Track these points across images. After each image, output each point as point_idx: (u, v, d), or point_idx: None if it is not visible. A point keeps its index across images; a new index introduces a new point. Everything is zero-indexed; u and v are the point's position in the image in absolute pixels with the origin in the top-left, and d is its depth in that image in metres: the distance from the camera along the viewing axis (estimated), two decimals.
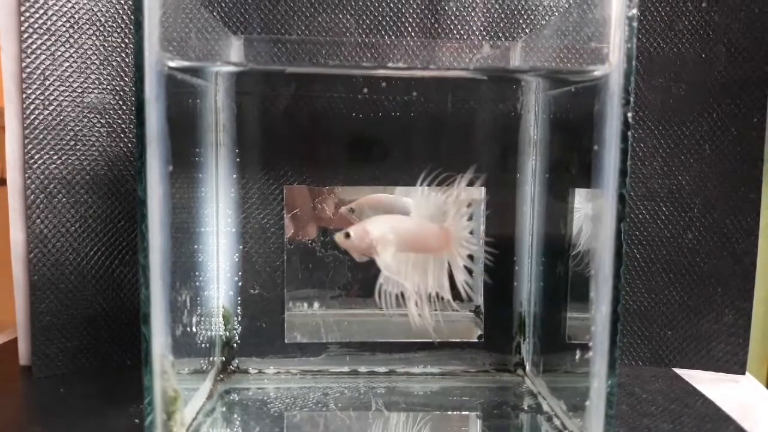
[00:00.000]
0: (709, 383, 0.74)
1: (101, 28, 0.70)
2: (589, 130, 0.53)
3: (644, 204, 0.77)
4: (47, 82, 0.68)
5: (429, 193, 0.61)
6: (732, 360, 0.78)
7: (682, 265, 0.77)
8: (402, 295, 0.62)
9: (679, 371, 0.78)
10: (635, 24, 0.49)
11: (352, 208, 0.65)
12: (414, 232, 0.62)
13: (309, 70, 0.70)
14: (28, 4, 0.67)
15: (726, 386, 0.74)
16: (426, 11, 0.72)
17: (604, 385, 0.51)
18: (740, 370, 0.78)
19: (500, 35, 0.72)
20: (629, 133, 0.49)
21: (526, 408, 0.64)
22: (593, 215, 0.54)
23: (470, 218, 0.63)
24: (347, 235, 0.61)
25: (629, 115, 0.49)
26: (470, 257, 0.63)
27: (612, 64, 0.50)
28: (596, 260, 0.52)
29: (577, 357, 0.57)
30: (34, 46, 0.68)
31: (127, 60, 0.71)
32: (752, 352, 0.78)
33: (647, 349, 0.79)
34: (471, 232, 0.63)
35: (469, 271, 0.63)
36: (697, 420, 0.64)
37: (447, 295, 0.62)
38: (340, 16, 0.71)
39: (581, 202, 0.60)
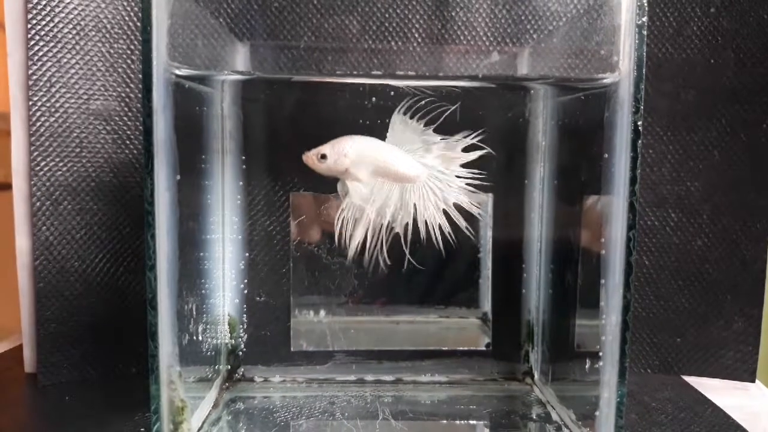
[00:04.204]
0: (718, 391, 0.74)
1: (107, 35, 0.69)
2: (598, 138, 0.53)
3: (653, 210, 0.76)
4: (53, 89, 0.68)
5: (408, 119, 0.59)
6: (742, 368, 0.77)
7: (691, 272, 0.77)
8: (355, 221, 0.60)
9: (688, 379, 0.77)
10: (645, 32, 0.48)
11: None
12: (389, 160, 0.59)
13: (315, 79, 0.69)
14: (35, 12, 0.67)
15: (736, 394, 0.74)
16: (433, 17, 0.71)
17: (614, 394, 0.51)
18: (750, 377, 0.77)
19: (507, 41, 0.72)
20: (639, 142, 0.49)
21: (534, 417, 0.64)
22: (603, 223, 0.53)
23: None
24: (322, 157, 0.58)
25: (639, 123, 0.49)
26: (456, 206, 0.61)
27: (622, 72, 0.50)
28: (605, 269, 0.52)
29: (587, 366, 0.57)
30: (40, 53, 0.67)
31: (132, 67, 0.71)
32: (762, 359, 0.78)
33: (656, 356, 0.78)
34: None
35: (445, 214, 0.61)
36: (707, 428, 0.63)
37: (399, 229, 0.60)
38: (347, 22, 0.71)
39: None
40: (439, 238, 0.61)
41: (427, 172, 0.60)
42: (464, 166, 0.62)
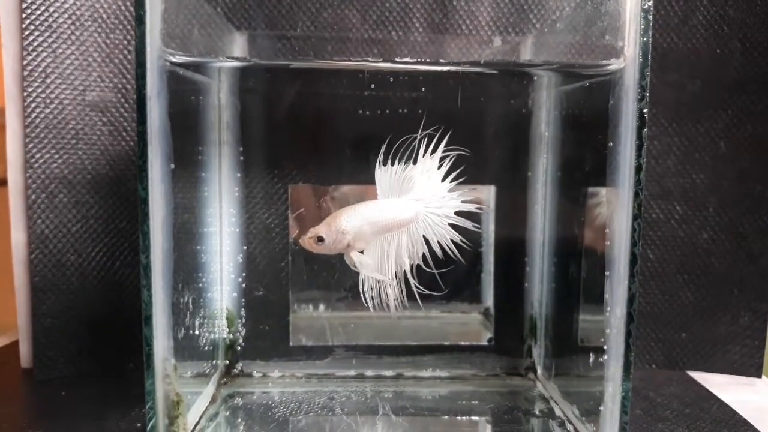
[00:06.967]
0: (724, 386, 0.73)
1: (103, 25, 0.69)
2: (602, 127, 0.52)
3: (658, 203, 0.75)
4: (48, 80, 0.67)
5: (388, 168, 0.56)
6: (748, 363, 0.76)
7: (697, 266, 0.76)
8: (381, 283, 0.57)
9: (693, 374, 0.76)
10: (650, 17, 0.47)
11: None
12: (385, 217, 0.56)
13: (314, 65, 0.69)
14: (29, 1, 0.66)
15: (742, 389, 0.73)
16: (434, 5, 0.70)
17: (618, 389, 0.50)
18: (756, 372, 0.76)
19: (510, 30, 0.71)
20: (644, 130, 0.48)
21: (537, 413, 0.63)
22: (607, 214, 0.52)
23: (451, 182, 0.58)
24: (319, 240, 0.55)
25: (645, 110, 0.48)
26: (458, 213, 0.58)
27: (627, 58, 0.49)
28: (610, 261, 0.51)
29: (591, 360, 0.56)
30: (35, 44, 0.67)
31: (129, 57, 0.70)
32: None
33: (661, 351, 0.77)
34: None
35: (455, 228, 0.58)
36: (713, 424, 0.62)
37: (419, 261, 0.57)
38: (346, 11, 0.70)
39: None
40: (454, 249, 0.58)
41: (422, 205, 0.57)
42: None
